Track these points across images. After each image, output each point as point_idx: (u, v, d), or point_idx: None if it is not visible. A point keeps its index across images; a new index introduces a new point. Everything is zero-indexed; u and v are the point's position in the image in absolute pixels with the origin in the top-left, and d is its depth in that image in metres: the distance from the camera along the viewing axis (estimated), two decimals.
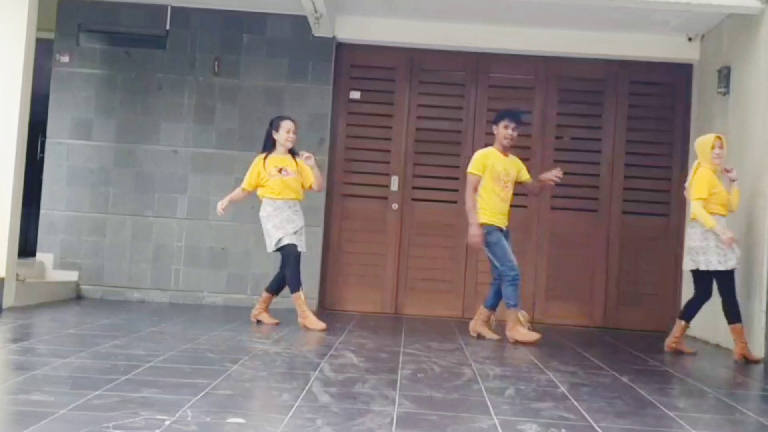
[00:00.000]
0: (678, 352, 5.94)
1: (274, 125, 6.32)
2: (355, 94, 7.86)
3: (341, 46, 7.86)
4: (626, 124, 7.81)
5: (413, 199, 7.83)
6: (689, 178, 5.99)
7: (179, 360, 4.30)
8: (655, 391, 4.13)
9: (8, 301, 6.25)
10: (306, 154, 6.24)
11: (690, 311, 5.99)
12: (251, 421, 2.95)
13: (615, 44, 7.69)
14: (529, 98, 7.88)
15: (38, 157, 8.01)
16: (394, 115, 7.81)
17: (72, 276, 7.58)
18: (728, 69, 6.80)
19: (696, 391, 4.38)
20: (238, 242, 7.62)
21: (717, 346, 6.54)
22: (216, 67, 7.73)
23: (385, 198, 7.78)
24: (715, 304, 6.72)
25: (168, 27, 7.74)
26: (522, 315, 5.97)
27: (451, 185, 7.79)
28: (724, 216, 5.81)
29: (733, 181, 5.91)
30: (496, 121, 6.20)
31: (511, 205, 6.22)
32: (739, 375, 5.33)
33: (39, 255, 7.60)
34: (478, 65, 7.91)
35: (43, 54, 7.15)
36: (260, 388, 3.66)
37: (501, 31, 7.68)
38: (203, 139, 7.64)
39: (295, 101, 7.69)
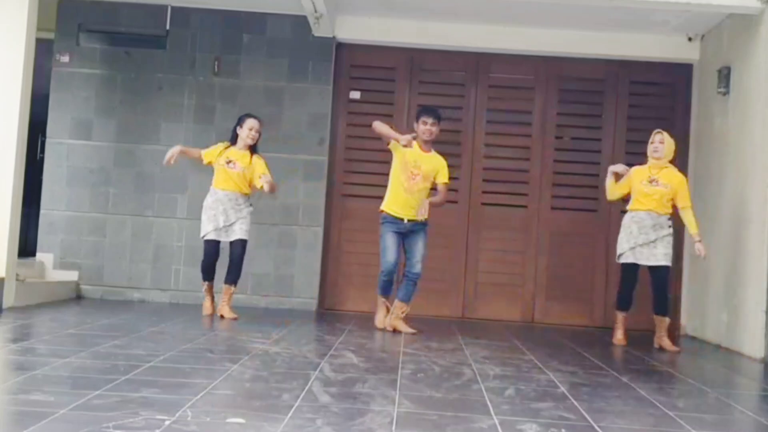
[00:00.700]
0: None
1: (240, 121, 6.62)
2: (355, 94, 7.86)
3: (341, 46, 7.86)
4: (626, 124, 7.81)
5: None
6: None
7: (179, 360, 4.30)
8: (655, 391, 4.14)
9: (8, 301, 6.25)
10: (266, 179, 6.44)
11: (628, 301, 6.23)
12: (251, 421, 2.95)
13: (615, 44, 7.69)
14: (529, 98, 7.88)
15: (38, 157, 8.01)
16: (394, 115, 7.80)
17: (72, 276, 7.58)
18: (728, 69, 6.80)
19: (696, 391, 4.38)
20: None
21: (717, 346, 6.54)
22: (216, 67, 7.73)
23: None
24: (715, 303, 6.73)
25: (168, 27, 7.74)
26: (383, 303, 6.31)
27: (451, 185, 7.75)
28: (643, 211, 6.07)
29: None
30: (416, 118, 6.34)
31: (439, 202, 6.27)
32: (739, 375, 5.33)
33: (39, 255, 7.60)
34: (478, 65, 7.92)
35: (43, 54, 7.15)
36: (260, 388, 3.66)
37: (501, 31, 7.68)
38: (203, 139, 7.60)
39: (295, 101, 7.70)
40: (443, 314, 7.69)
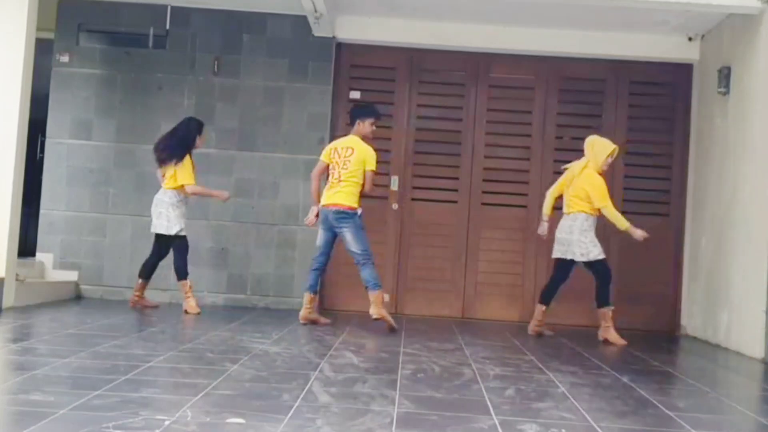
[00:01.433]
0: (541, 335, 6.47)
1: (201, 129, 6.94)
2: (355, 94, 7.86)
3: (341, 46, 7.86)
4: (626, 124, 7.81)
5: (413, 199, 7.83)
6: (574, 168, 6.50)
7: (179, 360, 4.30)
8: (655, 391, 4.14)
9: (8, 301, 6.25)
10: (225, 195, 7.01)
11: (548, 295, 6.58)
12: (251, 421, 2.95)
13: (615, 44, 7.69)
14: (529, 98, 7.88)
15: (38, 157, 8.01)
16: (394, 115, 7.80)
17: (72, 276, 7.58)
18: (728, 69, 6.80)
19: (696, 391, 4.38)
20: (238, 242, 7.62)
21: (717, 346, 6.54)
22: (216, 67, 7.73)
23: (385, 198, 7.78)
24: (715, 304, 6.73)
25: (168, 27, 7.75)
26: (307, 297, 6.40)
27: (451, 185, 7.80)
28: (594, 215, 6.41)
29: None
30: (362, 116, 6.45)
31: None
32: (739, 375, 5.33)
33: (39, 255, 7.61)
34: (478, 65, 7.91)
35: (43, 54, 7.14)
36: (260, 388, 3.66)
37: (501, 31, 7.68)
38: None
39: (295, 101, 7.70)
40: (443, 314, 7.69)
